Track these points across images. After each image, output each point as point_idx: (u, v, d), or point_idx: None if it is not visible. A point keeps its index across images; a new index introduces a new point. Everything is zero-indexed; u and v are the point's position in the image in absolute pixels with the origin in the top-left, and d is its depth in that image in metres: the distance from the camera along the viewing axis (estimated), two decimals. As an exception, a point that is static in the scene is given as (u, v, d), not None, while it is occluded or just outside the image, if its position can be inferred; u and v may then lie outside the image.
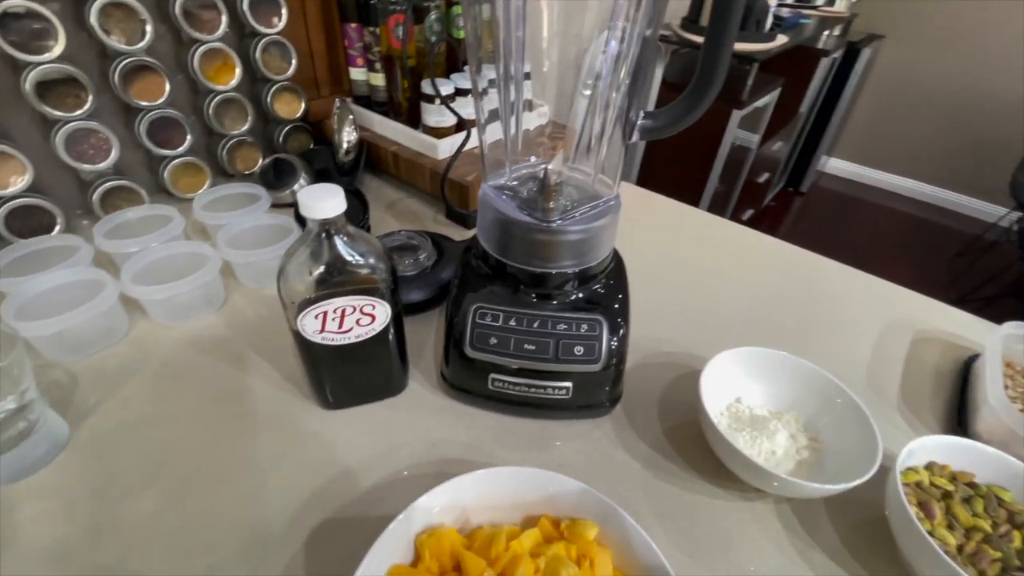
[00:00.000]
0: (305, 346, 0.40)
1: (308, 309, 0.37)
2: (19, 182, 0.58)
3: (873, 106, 2.79)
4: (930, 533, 0.34)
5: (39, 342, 0.47)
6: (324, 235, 0.35)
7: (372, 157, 0.78)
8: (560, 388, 0.43)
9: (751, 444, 0.41)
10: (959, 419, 0.48)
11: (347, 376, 0.43)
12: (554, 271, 0.42)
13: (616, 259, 0.48)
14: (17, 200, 0.58)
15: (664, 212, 0.81)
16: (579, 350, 0.42)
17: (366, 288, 0.38)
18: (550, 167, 0.42)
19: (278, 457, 0.42)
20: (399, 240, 0.59)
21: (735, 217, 1.61)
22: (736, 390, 0.46)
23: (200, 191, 0.70)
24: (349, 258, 0.37)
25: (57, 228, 0.61)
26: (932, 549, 0.32)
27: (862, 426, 0.40)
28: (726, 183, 1.91)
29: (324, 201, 0.34)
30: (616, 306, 0.44)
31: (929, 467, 0.39)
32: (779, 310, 0.61)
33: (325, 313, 0.38)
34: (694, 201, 1.60)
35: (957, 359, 0.56)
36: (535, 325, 0.42)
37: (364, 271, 0.38)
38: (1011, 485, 0.38)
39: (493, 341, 0.42)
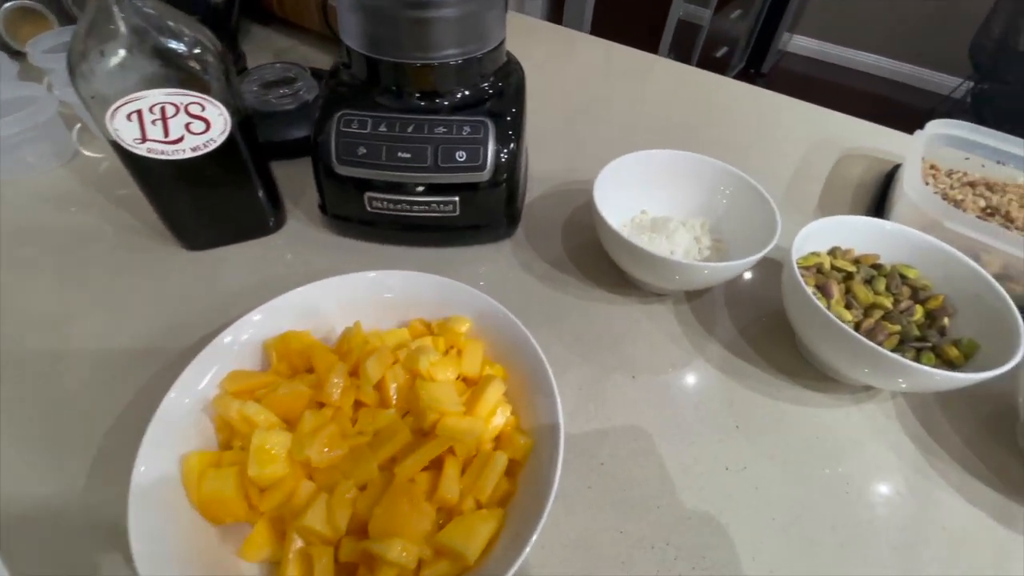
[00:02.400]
0: (131, 161, 0.34)
1: (115, 107, 0.31)
2: None
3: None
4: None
5: None
6: (106, -4, 0.28)
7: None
8: (446, 203, 0.39)
9: (648, 245, 0.38)
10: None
11: (200, 205, 0.38)
12: (436, 62, 0.36)
13: (513, 63, 0.42)
14: None
15: (592, 51, 0.74)
16: (461, 155, 0.37)
17: (185, 79, 0.31)
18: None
19: (135, 297, 0.37)
20: (274, 74, 0.51)
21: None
22: (641, 203, 0.43)
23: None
24: (154, 33, 0.30)
25: None
26: (827, 319, 0.30)
27: (762, 211, 0.37)
28: (679, 56, 1.80)
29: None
30: (508, 117, 0.39)
31: (832, 252, 0.38)
32: (702, 139, 0.57)
33: (140, 113, 0.31)
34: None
35: (881, 172, 0.53)
36: (409, 130, 0.37)
37: (179, 54, 0.31)
38: (917, 262, 0.37)
39: (362, 151, 0.37)
